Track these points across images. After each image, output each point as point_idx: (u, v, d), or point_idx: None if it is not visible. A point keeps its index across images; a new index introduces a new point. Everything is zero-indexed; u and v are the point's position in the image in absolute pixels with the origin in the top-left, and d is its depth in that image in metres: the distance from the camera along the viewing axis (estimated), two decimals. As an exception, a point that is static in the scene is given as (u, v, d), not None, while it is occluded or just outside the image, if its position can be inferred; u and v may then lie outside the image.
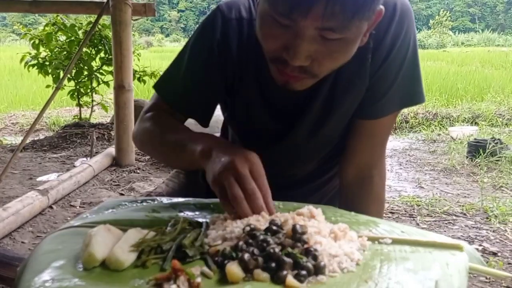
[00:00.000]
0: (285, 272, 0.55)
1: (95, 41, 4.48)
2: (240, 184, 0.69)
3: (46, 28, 4.52)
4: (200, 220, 0.73)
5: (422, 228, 2.37)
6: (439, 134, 5.03)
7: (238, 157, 0.71)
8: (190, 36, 0.98)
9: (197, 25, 0.97)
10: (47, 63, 4.56)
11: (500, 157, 3.67)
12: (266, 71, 0.87)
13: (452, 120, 5.73)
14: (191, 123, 0.97)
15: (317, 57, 0.73)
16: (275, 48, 0.75)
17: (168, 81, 0.97)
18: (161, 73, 1.00)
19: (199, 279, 0.54)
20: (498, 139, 3.89)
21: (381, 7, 0.75)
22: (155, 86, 0.98)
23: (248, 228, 0.63)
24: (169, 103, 0.95)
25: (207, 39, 0.91)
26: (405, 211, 2.69)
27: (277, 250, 0.58)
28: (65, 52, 4.54)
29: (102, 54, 4.64)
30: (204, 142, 0.78)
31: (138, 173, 3.39)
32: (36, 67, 4.59)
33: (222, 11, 0.91)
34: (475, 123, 5.61)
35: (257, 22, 0.78)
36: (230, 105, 0.99)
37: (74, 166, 3.46)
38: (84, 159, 3.71)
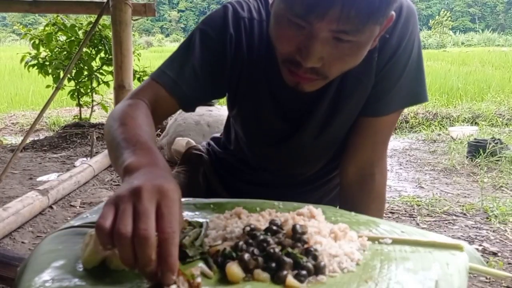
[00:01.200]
0: (285, 272, 0.55)
1: (95, 41, 4.48)
2: (134, 220, 0.51)
3: (46, 28, 4.53)
4: (200, 220, 0.73)
5: (422, 228, 2.37)
6: (439, 134, 5.03)
7: (150, 185, 0.53)
8: (196, 26, 0.93)
9: (203, 18, 0.93)
10: (47, 63, 4.56)
11: (500, 157, 3.67)
12: (276, 71, 0.88)
13: (452, 120, 5.73)
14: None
15: (328, 59, 0.75)
16: (288, 49, 0.76)
17: (169, 68, 0.90)
18: (162, 63, 0.96)
19: (199, 279, 0.53)
20: (498, 139, 3.89)
21: (393, 12, 0.76)
22: (153, 75, 0.92)
23: (248, 228, 0.63)
24: (167, 88, 0.88)
25: (220, 31, 0.89)
26: (405, 211, 2.69)
27: (277, 250, 0.58)
28: (65, 52, 4.54)
29: (102, 54, 4.64)
30: (138, 157, 0.62)
31: (138, 173, 3.39)
32: (36, 67, 4.59)
33: (234, 8, 0.90)
34: (475, 123, 5.61)
35: (271, 22, 0.79)
36: (238, 104, 0.99)
37: (74, 166, 3.46)
38: (84, 159, 3.70)
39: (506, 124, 5.51)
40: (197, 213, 0.79)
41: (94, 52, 4.62)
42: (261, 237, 0.60)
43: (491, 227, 2.40)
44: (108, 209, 0.52)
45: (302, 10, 0.69)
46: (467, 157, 3.86)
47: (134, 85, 3.69)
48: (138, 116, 0.79)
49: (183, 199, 0.86)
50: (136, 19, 3.77)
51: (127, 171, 0.59)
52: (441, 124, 5.51)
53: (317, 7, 0.68)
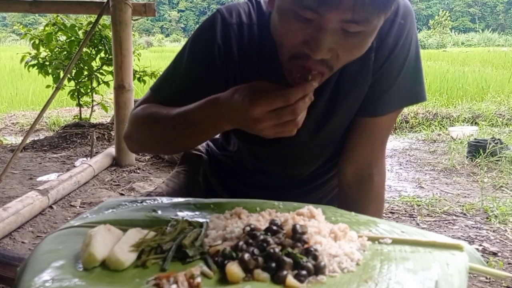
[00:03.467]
0: (285, 272, 0.55)
1: (95, 41, 4.48)
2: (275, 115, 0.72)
3: (46, 28, 4.52)
4: (200, 220, 0.73)
5: (422, 228, 2.37)
6: (439, 134, 5.03)
7: (248, 103, 0.72)
8: (189, 37, 0.97)
9: (196, 28, 0.96)
10: (47, 63, 4.55)
11: (500, 157, 3.67)
12: (269, 73, 0.88)
13: (452, 120, 5.72)
14: None
15: (337, 50, 0.74)
16: (296, 43, 0.75)
17: (166, 84, 0.95)
18: (161, 73, 0.99)
19: (199, 279, 0.54)
20: (498, 139, 3.88)
21: None
22: (152, 87, 0.96)
23: (248, 228, 0.63)
24: (164, 104, 0.92)
25: (207, 43, 0.90)
26: (405, 211, 2.69)
27: (277, 250, 0.58)
28: (65, 52, 4.53)
29: (102, 54, 4.63)
30: (199, 102, 0.80)
31: (138, 173, 3.39)
32: (36, 67, 4.58)
33: (223, 15, 0.90)
34: (475, 123, 5.61)
35: (275, 18, 0.78)
36: None
37: (74, 166, 3.46)
38: (84, 159, 3.71)
39: (506, 124, 5.51)
40: (197, 213, 0.79)
41: (94, 52, 4.61)
42: (261, 237, 0.60)
43: (491, 227, 2.40)
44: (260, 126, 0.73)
45: (314, 3, 0.68)
46: (467, 157, 3.86)
47: (134, 85, 3.69)
48: (160, 107, 0.90)
49: (182, 199, 0.86)
50: (136, 19, 3.76)
51: (216, 103, 0.78)
52: (441, 124, 5.51)
53: None
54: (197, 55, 0.91)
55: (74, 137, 4.40)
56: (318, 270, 0.57)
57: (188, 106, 0.82)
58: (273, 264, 0.56)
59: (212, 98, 0.79)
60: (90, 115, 5.16)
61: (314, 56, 0.74)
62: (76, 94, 4.80)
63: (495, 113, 5.80)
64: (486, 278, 1.83)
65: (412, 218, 2.58)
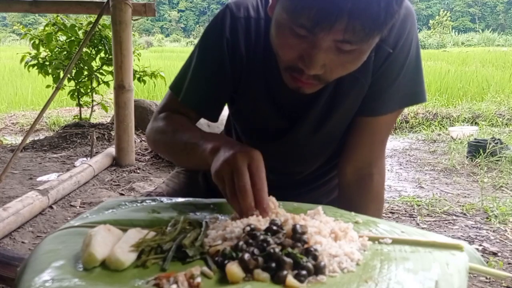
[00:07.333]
0: (285, 272, 0.55)
1: (95, 41, 4.48)
2: (235, 180, 0.71)
3: (46, 28, 4.52)
4: (200, 220, 0.73)
5: (422, 228, 2.37)
6: (439, 134, 5.03)
7: (239, 153, 0.72)
8: (192, 35, 0.99)
9: (207, 24, 0.99)
10: (47, 63, 4.55)
11: (500, 157, 3.67)
12: (273, 69, 0.89)
13: (452, 120, 5.72)
14: (202, 124, 0.99)
15: (330, 65, 0.76)
16: (290, 56, 0.77)
17: (182, 81, 0.98)
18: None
19: (199, 279, 0.54)
20: (498, 139, 3.88)
21: None
22: (171, 86, 1.01)
23: (248, 228, 0.63)
24: (182, 100, 0.97)
25: (217, 37, 0.93)
26: (405, 211, 2.69)
27: (277, 250, 0.58)
28: (65, 52, 4.53)
29: (102, 54, 4.63)
30: (214, 141, 0.80)
31: (138, 173, 3.39)
32: (36, 67, 4.58)
33: (231, 9, 0.93)
34: (475, 123, 5.61)
35: (272, 29, 0.80)
36: (237, 101, 1.01)
37: (74, 166, 3.46)
38: (84, 159, 3.71)
39: (506, 124, 5.51)
40: (197, 213, 0.79)
41: (94, 52, 4.61)
42: (261, 237, 0.60)
43: (491, 227, 2.40)
44: (218, 182, 0.73)
45: (308, 23, 0.69)
46: (467, 157, 3.85)
47: (134, 85, 3.69)
48: (180, 120, 0.95)
49: (183, 199, 0.86)
50: (136, 19, 3.76)
51: (213, 151, 0.77)
52: (441, 124, 5.51)
53: (324, 20, 0.68)
54: (207, 49, 0.95)
55: (74, 137, 4.40)
56: (318, 270, 0.57)
57: (196, 136, 0.87)
58: (273, 264, 0.56)
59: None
60: (90, 115, 5.15)
61: (307, 72, 0.75)
62: (76, 94, 4.79)
63: (495, 113, 5.80)
64: (486, 278, 1.83)
65: (412, 218, 2.58)
